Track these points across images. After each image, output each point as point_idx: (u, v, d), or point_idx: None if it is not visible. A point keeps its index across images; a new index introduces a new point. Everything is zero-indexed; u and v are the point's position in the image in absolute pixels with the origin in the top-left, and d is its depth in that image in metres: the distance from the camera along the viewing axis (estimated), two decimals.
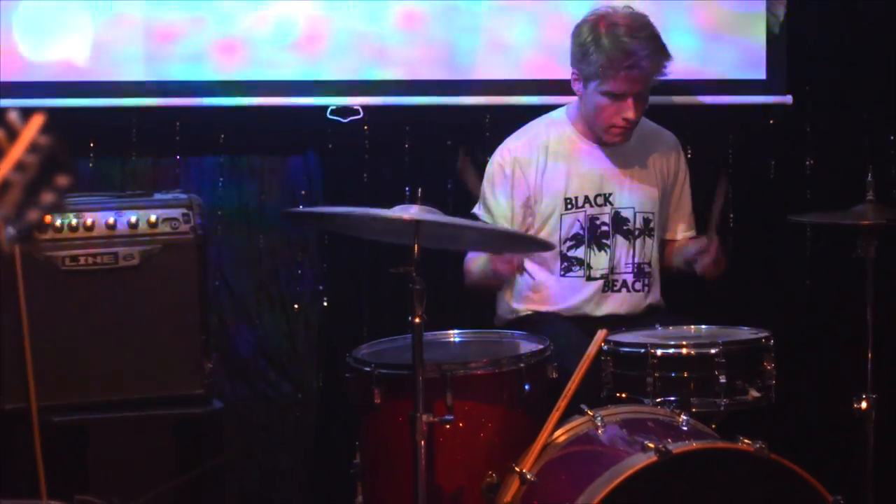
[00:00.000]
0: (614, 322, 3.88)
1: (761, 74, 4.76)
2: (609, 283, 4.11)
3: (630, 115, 3.97)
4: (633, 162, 4.15)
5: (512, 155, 4.12)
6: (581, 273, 4.10)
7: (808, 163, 4.91)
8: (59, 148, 1.80)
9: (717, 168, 4.03)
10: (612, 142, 4.07)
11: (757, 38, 4.74)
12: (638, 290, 4.13)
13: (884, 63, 4.88)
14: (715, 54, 4.74)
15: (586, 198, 4.11)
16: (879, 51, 4.89)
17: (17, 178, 1.77)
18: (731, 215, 4.83)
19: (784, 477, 3.16)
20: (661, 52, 4.00)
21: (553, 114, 4.20)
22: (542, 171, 4.09)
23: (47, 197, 1.79)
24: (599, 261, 4.11)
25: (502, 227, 4.01)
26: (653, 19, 4.06)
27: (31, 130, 1.79)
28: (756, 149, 4.90)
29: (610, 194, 4.12)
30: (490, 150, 4.25)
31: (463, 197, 4.19)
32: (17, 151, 1.78)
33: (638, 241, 4.13)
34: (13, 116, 1.78)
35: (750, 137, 4.89)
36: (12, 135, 1.78)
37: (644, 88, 4.00)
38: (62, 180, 1.79)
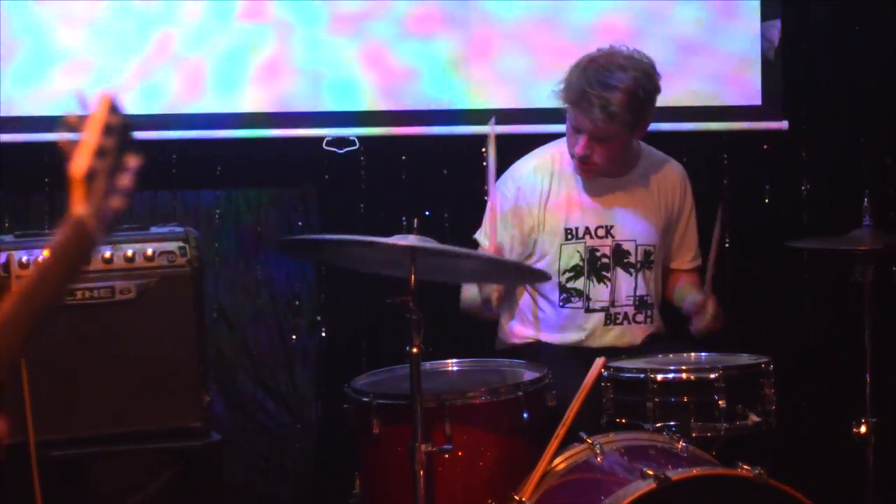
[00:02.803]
0: (613, 353, 3.86)
1: (757, 100, 4.77)
2: (610, 317, 4.08)
3: (578, 150, 3.89)
4: (637, 194, 4.09)
5: (517, 184, 4.05)
6: (580, 304, 4.06)
7: (804, 188, 4.91)
8: (127, 127, 1.63)
9: (716, 212, 3.81)
10: (580, 175, 4.01)
11: (752, 63, 4.75)
12: (639, 322, 4.09)
13: (879, 87, 4.89)
14: (710, 80, 4.75)
15: (587, 229, 4.05)
16: (874, 75, 4.90)
17: (101, 164, 1.60)
18: (728, 241, 4.83)
19: (784, 502, 3.15)
20: (617, 114, 3.79)
21: (561, 141, 4.08)
22: (546, 199, 4.04)
23: (124, 181, 1.62)
24: (599, 293, 4.06)
25: (498, 256, 3.98)
26: (647, 45, 4.01)
27: (103, 110, 1.62)
28: (752, 174, 4.90)
29: (611, 226, 4.06)
30: (485, 181, 4.19)
31: (459, 229, 4.18)
32: (94, 135, 1.61)
33: (639, 275, 4.09)
34: (83, 97, 1.62)
35: (746, 163, 4.90)
36: (83, 115, 1.61)
37: (603, 135, 3.85)
38: (132, 161, 1.62)
